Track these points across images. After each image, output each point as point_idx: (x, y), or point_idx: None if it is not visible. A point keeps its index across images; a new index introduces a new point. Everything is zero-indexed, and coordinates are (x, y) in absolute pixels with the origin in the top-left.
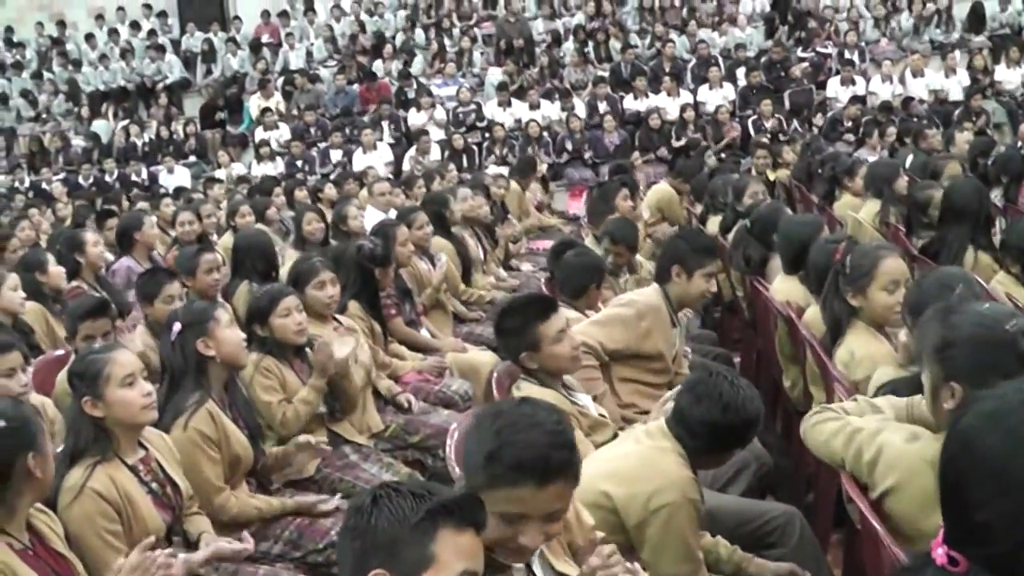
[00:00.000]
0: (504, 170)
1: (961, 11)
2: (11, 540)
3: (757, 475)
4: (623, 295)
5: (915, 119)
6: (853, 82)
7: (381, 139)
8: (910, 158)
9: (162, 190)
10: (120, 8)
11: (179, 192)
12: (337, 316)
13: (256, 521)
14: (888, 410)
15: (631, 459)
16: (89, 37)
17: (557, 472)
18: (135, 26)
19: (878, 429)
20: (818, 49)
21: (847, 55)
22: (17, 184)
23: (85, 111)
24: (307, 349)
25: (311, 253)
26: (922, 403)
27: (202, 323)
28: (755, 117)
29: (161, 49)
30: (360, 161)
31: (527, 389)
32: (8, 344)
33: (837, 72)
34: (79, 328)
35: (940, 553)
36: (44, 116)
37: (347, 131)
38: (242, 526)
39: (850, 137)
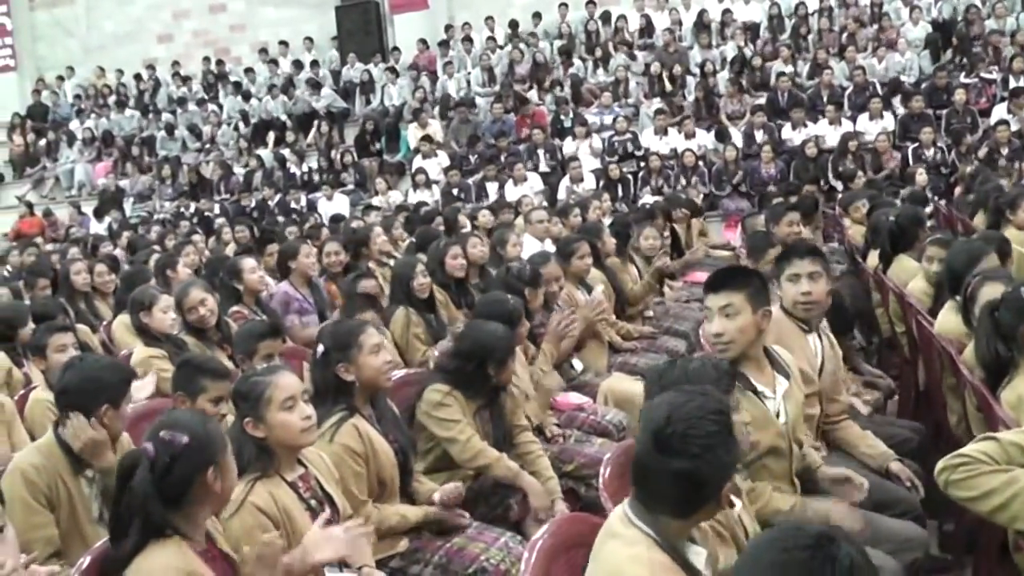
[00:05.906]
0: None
1: None
2: (192, 543)
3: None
4: None
5: None
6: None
7: (536, 169)
8: None
9: (318, 218)
10: (282, 42)
11: (336, 220)
12: None
13: (399, 530)
14: None
15: None
16: (248, 71)
17: None
18: (297, 64)
19: None
20: (982, 75)
21: (1012, 81)
22: (182, 210)
23: (247, 141)
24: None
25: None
26: None
27: (344, 349)
28: (916, 146)
29: (317, 85)
30: (512, 193)
31: None
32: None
33: (1002, 99)
34: (258, 348)
35: None
36: (208, 146)
37: (502, 159)
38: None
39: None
